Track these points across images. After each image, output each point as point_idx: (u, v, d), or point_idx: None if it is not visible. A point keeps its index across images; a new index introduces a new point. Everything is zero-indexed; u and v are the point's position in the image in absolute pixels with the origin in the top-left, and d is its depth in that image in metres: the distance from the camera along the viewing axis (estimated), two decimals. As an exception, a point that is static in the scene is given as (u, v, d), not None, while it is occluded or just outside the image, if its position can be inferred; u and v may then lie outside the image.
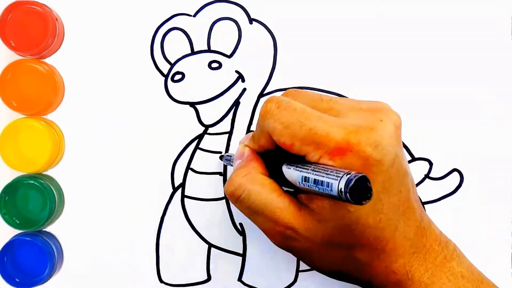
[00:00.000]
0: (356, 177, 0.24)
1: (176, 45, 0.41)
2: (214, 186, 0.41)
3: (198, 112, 0.41)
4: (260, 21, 0.41)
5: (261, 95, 0.41)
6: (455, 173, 0.40)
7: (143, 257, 0.41)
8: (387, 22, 0.40)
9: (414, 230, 0.30)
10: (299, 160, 0.29)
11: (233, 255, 0.41)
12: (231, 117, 0.41)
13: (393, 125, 0.28)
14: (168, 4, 0.41)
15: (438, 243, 0.31)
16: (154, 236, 0.41)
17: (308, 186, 0.28)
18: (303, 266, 0.41)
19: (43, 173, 0.41)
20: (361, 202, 0.24)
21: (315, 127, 0.28)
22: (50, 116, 0.41)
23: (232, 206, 0.41)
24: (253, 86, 0.41)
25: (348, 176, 0.25)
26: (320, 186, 0.27)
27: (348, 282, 0.32)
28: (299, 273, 0.41)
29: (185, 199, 0.41)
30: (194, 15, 0.41)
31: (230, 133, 0.41)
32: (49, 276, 0.40)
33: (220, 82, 0.41)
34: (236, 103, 0.41)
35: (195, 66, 0.41)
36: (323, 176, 0.26)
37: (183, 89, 0.41)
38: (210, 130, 0.41)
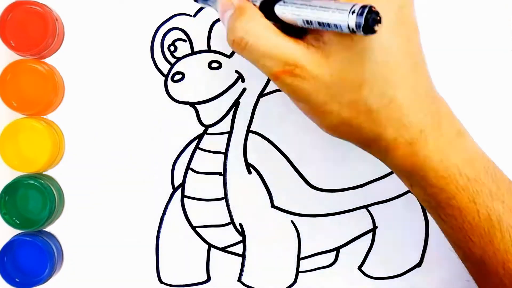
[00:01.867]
0: (364, 12, 0.24)
1: (176, 45, 0.41)
2: (214, 186, 0.41)
3: (198, 112, 0.41)
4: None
5: (261, 95, 0.41)
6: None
7: (143, 257, 0.41)
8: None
9: (425, 89, 0.29)
10: None
11: (233, 256, 0.41)
12: (231, 117, 0.41)
13: None
14: (168, 4, 0.41)
15: (452, 116, 0.30)
16: (154, 236, 0.41)
17: (312, 27, 0.27)
18: (303, 266, 0.41)
19: (43, 173, 0.41)
20: (373, 30, 0.24)
21: None
22: (50, 116, 0.41)
23: (232, 206, 0.41)
24: (253, 86, 0.41)
25: (355, 13, 0.24)
26: (327, 28, 0.26)
27: (357, 139, 0.31)
28: (299, 274, 0.41)
29: (185, 199, 0.41)
30: (194, 15, 0.41)
31: (230, 133, 0.41)
32: (49, 276, 0.40)
33: (220, 82, 0.41)
34: (236, 103, 0.41)
35: (195, 66, 0.41)
36: (328, 18, 0.26)
37: (183, 89, 0.41)
38: (210, 130, 0.41)
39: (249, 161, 0.41)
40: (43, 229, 0.41)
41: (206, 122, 0.41)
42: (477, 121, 0.40)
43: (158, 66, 0.41)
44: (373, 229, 0.41)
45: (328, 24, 0.26)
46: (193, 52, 0.41)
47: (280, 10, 0.29)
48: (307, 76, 0.29)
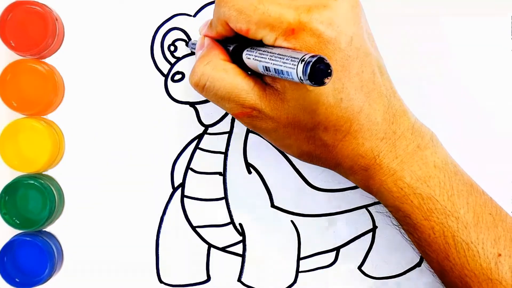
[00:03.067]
0: (311, 61, 0.24)
1: (176, 45, 0.41)
2: (214, 186, 0.41)
3: (198, 112, 0.41)
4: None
5: (261, 95, 0.41)
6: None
7: (143, 257, 0.41)
8: (386, 20, 0.40)
9: (381, 114, 0.30)
10: (258, 44, 0.29)
11: (233, 256, 0.41)
12: (230, 117, 0.41)
13: (347, 4, 0.29)
14: (168, 4, 0.41)
15: (411, 132, 0.31)
16: (154, 236, 0.41)
17: (271, 74, 0.28)
18: (303, 266, 0.41)
19: (43, 173, 0.41)
20: (323, 82, 0.25)
21: (268, 10, 0.28)
22: (50, 116, 0.41)
23: (232, 206, 0.41)
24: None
25: (303, 62, 0.25)
26: (282, 75, 0.27)
27: (321, 165, 0.33)
28: (299, 274, 0.41)
29: (185, 199, 0.41)
30: (194, 15, 0.41)
31: (230, 133, 0.41)
32: (49, 276, 0.40)
33: (220, 82, 0.41)
34: (236, 103, 0.41)
35: (195, 66, 0.41)
36: (281, 65, 0.26)
37: (183, 89, 0.41)
38: (210, 130, 0.41)
39: (249, 161, 0.41)
40: (43, 229, 0.41)
41: (206, 122, 0.41)
42: (477, 121, 0.40)
43: (158, 66, 0.41)
44: (373, 229, 0.41)
45: (282, 72, 0.27)
46: (193, 52, 0.41)
47: (246, 56, 0.30)
48: (264, 117, 0.30)
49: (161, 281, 0.41)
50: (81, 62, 0.41)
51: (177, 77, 0.41)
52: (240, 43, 0.31)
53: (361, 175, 0.32)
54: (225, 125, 0.41)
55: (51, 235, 0.41)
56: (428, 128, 0.33)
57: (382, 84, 0.31)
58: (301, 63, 0.25)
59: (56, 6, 0.41)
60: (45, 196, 0.39)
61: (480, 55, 0.40)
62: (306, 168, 0.41)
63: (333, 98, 0.29)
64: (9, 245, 0.39)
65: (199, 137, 0.41)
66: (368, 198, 0.41)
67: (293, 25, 0.28)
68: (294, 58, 0.26)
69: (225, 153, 0.41)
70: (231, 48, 0.32)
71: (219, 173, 0.41)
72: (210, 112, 0.41)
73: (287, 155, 0.41)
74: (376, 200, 0.40)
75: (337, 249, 0.41)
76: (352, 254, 0.41)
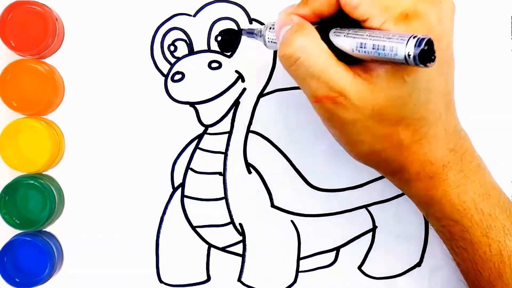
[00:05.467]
0: (425, 39, 0.24)
1: (176, 45, 0.41)
2: (214, 186, 0.41)
3: (198, 112, 0.41)
4: (260, 21, 0.41)
5: (261, 95, 0.41)
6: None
7: (143, 257, 0.41)
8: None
9: (453, 126, 0.31)
10: (352, 26, 0.28)
11: (233, 256, 0.41)
12: (231, 117, 0.41)
13: (449, 9, 0.28)
14: (168, 4, 0.41)
15: (473, 150, 0.32)
16: (154, 236, 0.41)
17: (365, 52, 0.27)
18: (303, 266, 0.41)
19: (43, 173, 0.41)
20: (426, 64, 0.25)
21: None
22: (50, 116, 0.41)
23: (232, 206, 0.41)
24: (253, 86, 0.41)
25: (416, 38, 0.24)
26: (381, 51, 0.26)
27: (382, 168, 0.32)
28: (299, 274, 0.41)
29: (185, 199, 0.41)
30: (194, 15, 0.41)
31: (230, 133, 0.41)
32: (49, 276, 0.40)
33: (220, 82, 0.41)
34: (236, 103, 0.41)
35: (195, 66, 0.41)
36: (385, 41, 0.26)
37: (183, 89, 0.41)
38: (210, 130, 0.41)
39: (249, 161, 0.41)
40: (43, 229, 0.41)
41: (206, 122, 0.41)
42: (477, 121, 0.40)
43: (158, 66, 0.41)
44: (373, 229, 0.41)
45: (384, 47, 0.26)
46: (193, 52, 0.41)
47: (335, 34, 0.29)
48: (348, 106, 0.29)
49: (161, 281, 0.41)
50: (81, 62, 0.41)
51: (177, 77, 0.41)
52: (325, 23, 0.30)
53: (424, 183, 0.31)
54: (225, 125, 0.41)
55: (51, 235, 0.41)
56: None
57: (454, 100, 0.31)
58: (413, 38, 0.25)
59: (56, 6, 0.41)
60: (45, 196, 0.39)
61: (480, 55, 0.40)
62: (306, 168, 0.41)
63: (424, 97, 0.28)
64: (9, 245, 0.39)
65: (199, 137, 0.41)
66: (368, 198, 0.41)
67: (408, 11, 0.27)
68: (403, 35, 0.25)
69: (225, 153, 0.41)
70: (320, 30, 0.30)
71: (219, 173, 0.41)
72: (210, 112, 0.41)
73: (288, 155, 0.41)
74: (377, 200, 0.40)
75: (337, 249, 0.41)
76: (352, 254, 0.41)
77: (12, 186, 0.39)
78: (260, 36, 0.33)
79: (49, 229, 0.41)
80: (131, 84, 0.41)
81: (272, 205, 0.41)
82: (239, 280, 0.41)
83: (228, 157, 0.41)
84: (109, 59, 0.41)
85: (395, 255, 0.41)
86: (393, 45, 0.25)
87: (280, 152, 0.41)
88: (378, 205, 0.41)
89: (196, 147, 0.41)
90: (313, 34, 0.29)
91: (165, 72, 0.41)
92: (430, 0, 0.28)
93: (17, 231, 0.40)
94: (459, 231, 0.31)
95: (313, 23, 0.30)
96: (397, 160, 0.31)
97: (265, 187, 0.41)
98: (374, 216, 0.41)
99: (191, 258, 0.41)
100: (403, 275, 0.41)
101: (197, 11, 0.41)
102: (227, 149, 0.41)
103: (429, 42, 0.24)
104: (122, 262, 0.41)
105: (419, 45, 0.24)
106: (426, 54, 0.24)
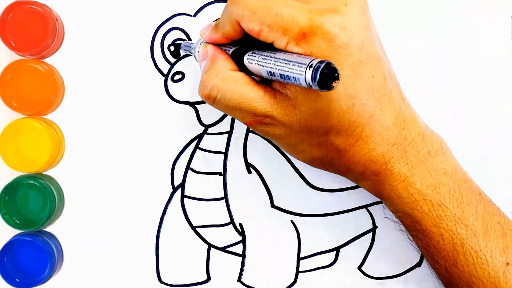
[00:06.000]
0: (320, 67, 0.24)
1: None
2: (213, 186, 0.41)
3: (198, 112, 0.41)
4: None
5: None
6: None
7: (143, 257, 0.41)
8: (386, 20, 0.40)
9: (392, 119, 0.30)
10: (266, 48, 0.29)
11: (233, 256, 0.41)
12: (230, 117, 0.41)
13: (358, 9, 0.29)
14: (168, 4, 0.41)
15: (421, 138, 0.31)
16: (154, 236, 0.41)
17: (276, 79, 0.28)
18: (303, 266, 0.41)
19: (43, 173, 0.41)
20: (331, 86, 0.25)
21: (281, 12, 0.28)
22: (50, 116, 0.41)
23: (232, 206, 0.41)
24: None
25: (312, 68, 0.25)
26: (288, 81, 0.27)
27: (332, 171, 0.33)
28: (299, 274, 0.41)
29: (185, 199, 0.41)
30: (194, 15, 0.41)
31: (230, 133, 0.41)
32: (49, 276, 0.40)
33: (220, 82, 0.41)
34: (236, 103, 0.41)
35: (195, 66, 0.41)
36: (288, 71, 0.26)
37: (183, 89, 0.41)
38: (210, 130, 0.41)
39: (249, 161, 0.41)
40: (43, 229, 0.41)
41: (206, 122, 0.41)
42: (476, 121, 0.40)
43: (158, 66, 0.41)
44: (373, 229, 0.41)
45: (289, 77, 0.27)
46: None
47: (247, 60, 0.30)
48: (276, 124, 0.30)
49: (161, 281, 0.41)
50: (81, 62, 0.41)
51: (177, 77, 0.41)
52: (241, 46, 0.31)
53: (371, 181, 0.32)
54: (225, 125, 0.41)
55: (51, 235, 0.41)
56: (437, 135, 0.33)
57: (392, 90, 0.31)
58: (309, 69, 0.25)
59: (56, 6, 0.41)
60: (45, 196, 0.39)
61: (480, 55, 0.40)
62: (306, 168, 0.41)
63: (345, 103, 0.29)
64: (9, 245, 0.39)
65: (199, 137, 0.41)
66: (368, 198, 0.41)
67: (304, 29, 0.27)
68: (301, 64, 0.25)
69: (225, 153, 0.41)
70: (230, 51, 0.31)
71: (219, 173, 0.41)
72: (210, 112, 0.41)
73: (288, 155, 0.41)
74: (377, 200, 0.40)
75: (337, 249, 0.41)
76: (352, 254, 0.41)
77: (12, 186, 0.39)
78: (193, 54, 0.35)
79: (49, 229, 0.41)
80: (131, 84, 0.41)
81: (272, 205, 0.41)
82: (239, 280, 0.41)
83: (228, 157, 0.41)
84: (109, 59, 0.41)
85: (395, 255, 0.41)
86: (295, 75, 0.26)
87: (280, 152, 0.41)
88: (378, 205, 0.41)
89: (196, 147, 0.41)
90: (224, 69, 0.30)
91: (165, 72, 0.41)
92: (328, 9, 0.28)
93: (17, 231, 0.40)
94: (411, 223, 0.32)
95: (230, 46, 0.31)
96: (340, 163, 0.31)
97: (265, 187, 0.41)
98: (374, 216, 0.41)
99: (191, 258, 0.41)
100: (403, 275, 0.41)
101: (197, 11, 0.41)
102: (227, 149, 0.41)
103: (327, 66, 0.24)
104: (122, 262, 0.41)
105: (316, 73, 0.24)
106: (327, 77, 0.24)
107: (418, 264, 0.41)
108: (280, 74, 0.27)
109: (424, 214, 0.31)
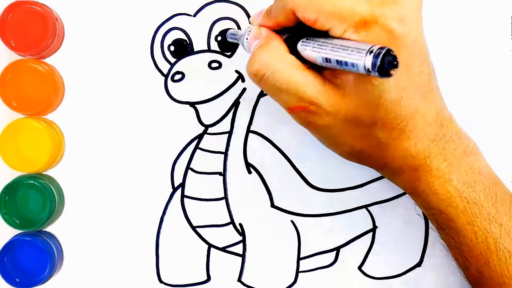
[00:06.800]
0: (381, 53, 0.24)
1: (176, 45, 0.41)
2: (214, 186, 0.41)
3: (198, 112, 0.41)
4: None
5: (261, 95, 0.41)
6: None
7: (143, 257, 0.41)
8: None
9: (433, 116, 0.30)
10: (319, 35, 0.29)
11: (233, 256, 0.41)
12: (231, 117, 0.41)
13: (415, 2, 0.29)
14: (168, 4, 0.41)
15: (458, 136, 0.31)
16: (154, 236, 0.41)
17: (331, 65, 0.27)
18: (303, 266, 0.41)
19: (43, 173, 0.41)
20: (389, 74, 0.25)
21: (340, 1, 0.27)
22: (50, 116, 0.41)
23: (232, 206, 0.41)
24: (253, 86, 0.41)
25: (372, 53, 0.25)
26: (344, 66, 0.26)
27: (368, 164, 0.33)
28: (299, 274, 0.41)
29: (185, 199, 0.41)
30: (194, 15, 0.41)
31: (230, 133, 0.41)
32: (49, 276, 0.40)
33: (220, 82, 0.41)
34: (236, 103, 0.41)
35: (195, 66, 0.41)
36: (346, 57, 0.26)
37: (183, 89, 0.41)
38: (210, 130, 0.41)
39: (249, 161, 0.41)
40: (43, 229, 0.41)
41: (206, 122, 0.41)
42: (477, 121, 0.40)
43: (158, 66, 0.41)
44: (373, 229, 0.41)
45: (346, 63, 0.26)
46: (193, 52, 0.41)
47: (302, 46, 0.29)
48: (321, 113, 0.30)
49: (161, 281, 0.41)
50: (81, 62, 0.41)
51: (177, 77, 0.41)
52: (294, 33, 0.30)
53: (408, 176, 0.32)
54: (225, 125, 0.41)
55: (51, 235, 0.41)
56: (470, 137, 0.33)
57: (435, 88, 0.31)
58: (370, 54, 0.25)
59: (56, 6, 0.41)
60: (45, 196, 0.39)
61: (480, 55, 0.40)
62: (306, 168, 0.41)
63: (395, 95, 0.28)
64: (9, 245, 0.39)
65: (199, 137, 0.41)
66: (368, 198, 0.41)
67: (366, 18, 0.27)
68: (361, 49, 0.25)
69: (225, 153, 0.41)
70: (287, 40, 0.31)
71: (219, 173, 0.41)
72: (210, 112, 0.41)
73: (288, 155, 0.41)
74: (377, 200, 0.40)
75: (337, 249, 0.41)
76: (352, 254, 0.41)
77: (12, 186, 0.39)
78: (241, 41, 0.34)
79: (49, 229, 0.41)
80: (131, 84, 0.41)
81: (272, 205, 0.41)
82: (239, 280, 0.41)
83: (228, 157, 0.41)
84: (109, 59, 0.41)
85: (395, 255, 0.41)
86: (353, 61, 0.26)
87: (280, 152, 0.41)
88: (378, 205, 0.41)
89: (196, 147, 0.41)
90: (277, 49, 0.30)
91: (165, 72, 0.41)
92: (388, 0, 0.28)
93: (17, 231, 0.40)
94: (445, 220, 0.32)
95: (284, 33, 0.31)
96: (379, 157, 0.31)
97: (265, 187, 0.41)
98: (374, 216, 0.41)
99: (191, 258, 0.41)
100: (403, 275, 0.41)
101: (197, 11, 0.41)
102: (227, 149, 0.41)
103: (387, 53, 0.24)
104: (122, 262, 0.41)
105: (376, 59, 0.24)
106: (386, 65, 0.24)
107: (418, 264, 0.41)
108: (336, 60, 0.27)
109: (459, 211, 0.31)
